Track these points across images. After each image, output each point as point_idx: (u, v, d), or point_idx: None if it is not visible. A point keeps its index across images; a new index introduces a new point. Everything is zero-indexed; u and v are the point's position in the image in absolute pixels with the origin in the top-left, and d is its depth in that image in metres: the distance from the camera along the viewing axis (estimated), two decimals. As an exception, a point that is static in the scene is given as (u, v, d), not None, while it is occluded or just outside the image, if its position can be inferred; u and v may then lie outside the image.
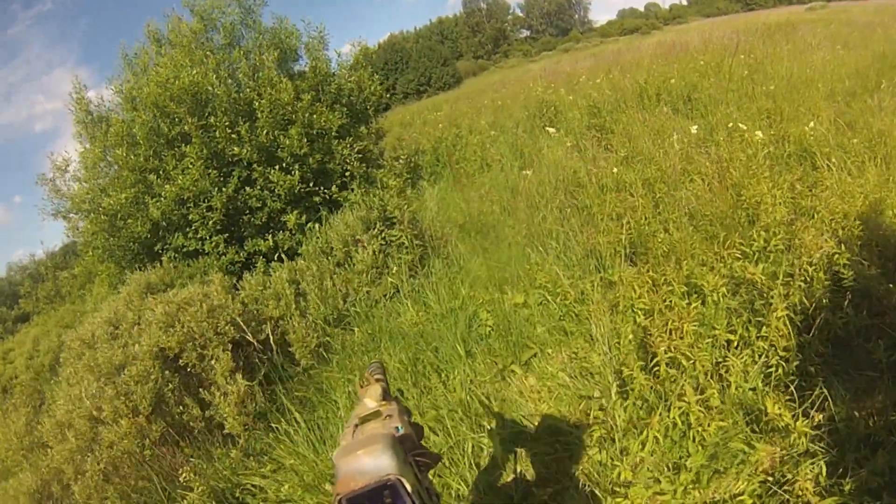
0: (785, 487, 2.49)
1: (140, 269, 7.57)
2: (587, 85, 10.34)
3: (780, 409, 2.70)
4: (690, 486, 2.69)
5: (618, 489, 2.72)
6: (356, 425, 1.04)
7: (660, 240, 4.53)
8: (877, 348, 3.17)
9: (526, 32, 78.02)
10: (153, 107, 7.86)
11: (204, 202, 7.67)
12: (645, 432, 2.81)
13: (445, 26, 69.88)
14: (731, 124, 5.80)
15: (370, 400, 1.13)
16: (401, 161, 8.08)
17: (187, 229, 7.88)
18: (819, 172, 4.99)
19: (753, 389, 3.04)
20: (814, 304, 3.34)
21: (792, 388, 2.85)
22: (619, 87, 9.41)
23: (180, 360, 4.71)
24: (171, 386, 4.61)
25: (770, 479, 2.58)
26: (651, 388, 3.13)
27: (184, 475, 3.92)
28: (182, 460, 4.26)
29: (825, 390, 2.76)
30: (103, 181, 8.38)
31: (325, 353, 5.11)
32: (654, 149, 6.16)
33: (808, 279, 3.53)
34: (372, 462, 0.86)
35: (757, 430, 2.81)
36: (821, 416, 2.63)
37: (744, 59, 8.51)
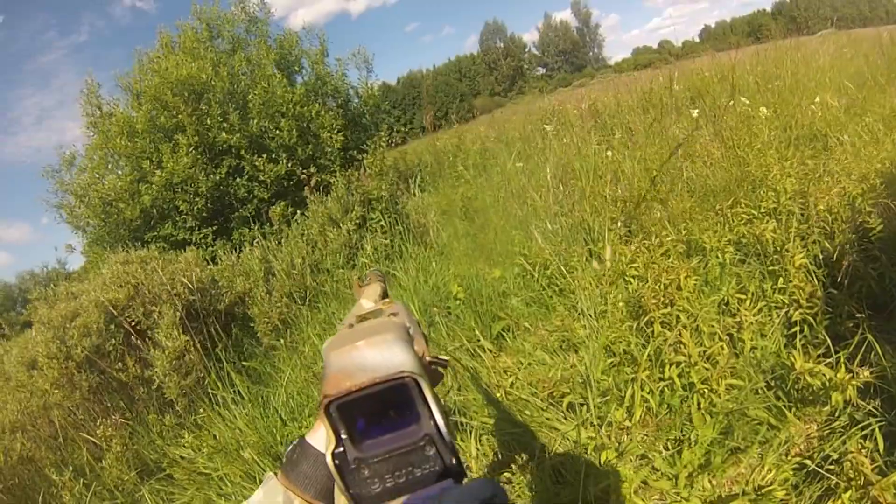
0: (830, 468, 1.65)
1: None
2: (592, 103, 9.75)
3: (812, 363, 1.86)
4: (697, 471, 1.85)
5: (595, 470, 1.87)
6: (352, 324, 0.67)
7: (656, 212, 3.74)
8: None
9: (542, 70, 77.10)
10: (154, 100, 7.66)
11: (192, 187, 7.33)
12: (630, 390, 1.96)
13: (463, 64, 69.43)
14: (731, 102, 5.04)
15: (368, 300, 0.91)
16: (383, 142, 7.46)
17: (176, 218, 7.56)
18: (831, 151, 4.23)
19: (775, 353, 2.20)
20: (837, 253, 2.52)
21: (828, 341, 2.01)
22: (624, 100, 8.80)
23: (126, 315, 4.11)
24: (113, 341, 4.08)
25: (808, 461, 1.74)
26: (642, 351, 2.30)
27: (102, 429, 3.41)
28: (116, 420, 3.67)
29: (871, 338, 1.92)
30: (102, 171, 8.18)
31: (284, 329, 4.45)
32: (653, 137, 5.46)
33: (828, 228, 2.73)
34: (377, 355, 0.55)
35: (783, 397, 1.97)
36: (867, 373, 1.78)
37: (749, 68, 7.83)
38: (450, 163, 9.22)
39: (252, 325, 4.52)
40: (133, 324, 4.10)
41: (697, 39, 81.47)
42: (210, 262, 6.31)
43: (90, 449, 3.47)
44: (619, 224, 3.80)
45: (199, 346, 3.88)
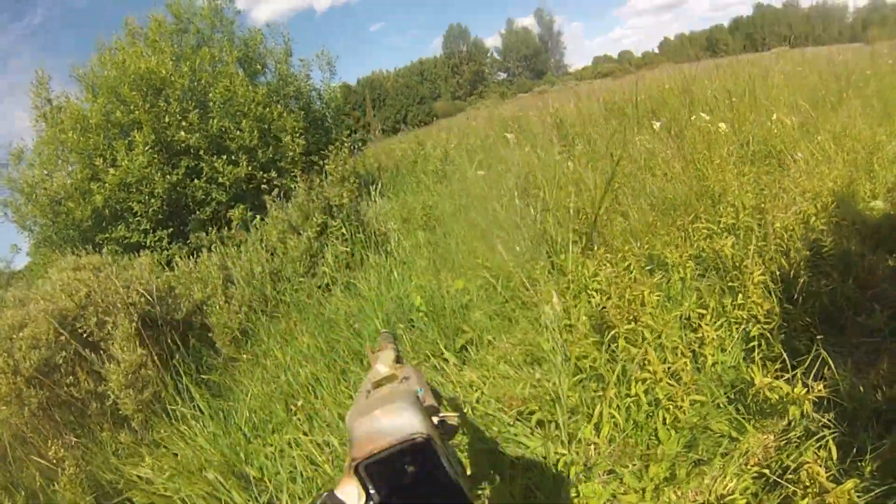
0: (787, 477, 1.78)
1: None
2: (555, 111, 9.96)
3: (770, 378, 1.99)
4: (663, 484, 1.95)
5: (564, 486, 1.95)
6: (369, 391, 0.85)
7: (617, 225, 3.89)
8: (874, 317, 2.55)
9: (503, 75, 77.30)
10: (110, 93, 7.51)
11: (147, 188, 7.16)
12: (598, 408, 2.05)
13: (426, 67, 69.11)
14: (693, 117, 5.27)
15: (383, 365, 1.00)
16: (346, 147, 7.45)
17: (130, 220, 7.36)
18: (785, 168, 4.49)
19: (735, 367, 2.34)
20: (792, 270, 2.70)
21: (784, 355, 2.16)
22: (586, 110, 9.04)
23: (77, 325, 3.99)
24: (64, 353, 3.91)
25: (767, 471, 1.87)
26: (609, 368, 2.41)
27: (53, 449, 3.25)
28: (68, 440, 3.57)
29: (825, 354, 2.07)
30: (52, 167, 7.87)
31: (244, 339, 4.48)
32: (614, 148, 5.64)
33: (784, 245, 2.91)
34: (392, 421, 0.69)
35: (743, 410, 2.10)
36: (822, 387, 1.92)
37: (708, 83, 8.17)
38: (409, 169, 9.29)
39: (210, 335, 4.47)
40: (85, 335, 3.99)
41: (657, 51, 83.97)
42: (165, 266, 6.17)
43: (41, 469, 3.33)
44: (581, 237, 3.93)
45: (156, 358, 3.82)
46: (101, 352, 3.93)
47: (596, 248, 3.79)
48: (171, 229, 7.40)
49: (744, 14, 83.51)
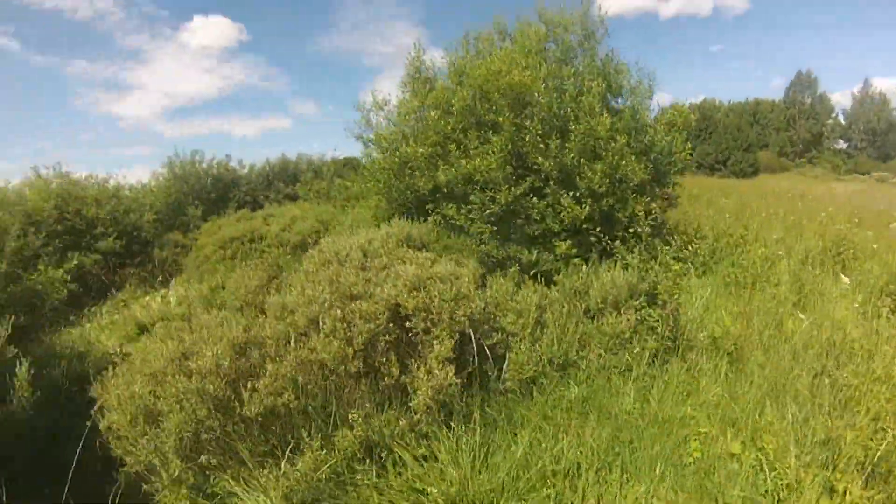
0: None
1: (407, 218, 8.27)
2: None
3: None
4: None
5: None
6: None
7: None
8: None
9: (843, 144, 65.47)
10: (477, 88, 8.13)
11: (490, 191, 7.74)
12: None
13: (760, 109, 62.02)
14: None
15: None
16: (691, 248, 7.50)
17: (462, 206, 8.05)
18: None
19: None
20: None
21: None
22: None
23: (407, 323, 4.74)
24: (387, 337, 4.59)
25: None
26: None
27: (353, 415, 4.14)
28: (358, 400, 4.46)
29: None
30: (408, 131, 9.16)
31: (533, 390, 4.99)
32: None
33: None
34: None
35: None
36: None
37: None
38: (731, 250, 9.14)
39: (504, 365, 4.99)
40: (410, 333, 4.76)
41: None
42: (478, 260, 6.91)
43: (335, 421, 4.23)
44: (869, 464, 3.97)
45: (461, 380, 4.48)
46: (418, 353, 4.70)
47: (876, 482, 3.86)
48: (495, 228, 7.92)
49: None
